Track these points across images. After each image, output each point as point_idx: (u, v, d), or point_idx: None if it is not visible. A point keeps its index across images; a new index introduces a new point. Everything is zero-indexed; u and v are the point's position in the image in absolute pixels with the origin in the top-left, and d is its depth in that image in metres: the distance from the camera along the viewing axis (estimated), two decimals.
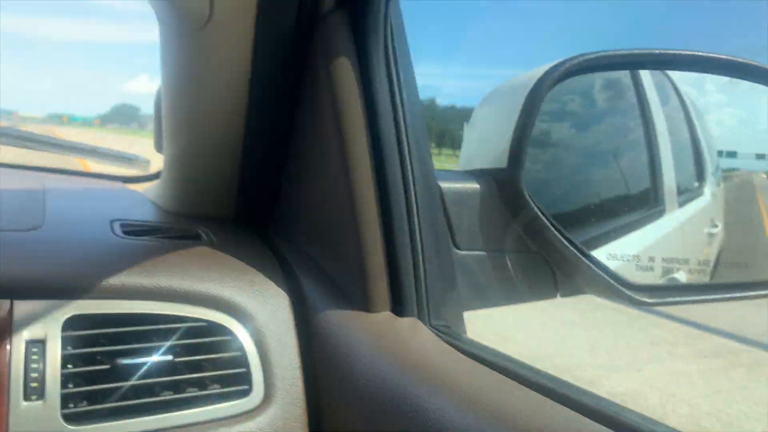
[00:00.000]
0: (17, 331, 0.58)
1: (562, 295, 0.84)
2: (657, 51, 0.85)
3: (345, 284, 0.71)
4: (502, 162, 0.79)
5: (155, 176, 1.23)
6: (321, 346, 0.68)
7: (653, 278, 0.85)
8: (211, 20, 0.65)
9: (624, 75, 0.98)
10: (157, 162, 1.23)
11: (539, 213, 0.78)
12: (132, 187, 1.20)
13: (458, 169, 0.88)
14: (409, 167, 0.67)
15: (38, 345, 0.58)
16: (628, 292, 0.78)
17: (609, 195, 0.95)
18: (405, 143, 0.67)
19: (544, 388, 0.51)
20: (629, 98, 0.98)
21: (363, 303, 0.67)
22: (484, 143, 0.87)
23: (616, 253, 0.83)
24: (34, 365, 0.57)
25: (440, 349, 0.62)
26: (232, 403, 0.65)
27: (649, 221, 0.96)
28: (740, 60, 0.84)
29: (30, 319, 0.59)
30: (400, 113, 0.67)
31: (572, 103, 0.90)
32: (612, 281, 0.78)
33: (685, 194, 1.05)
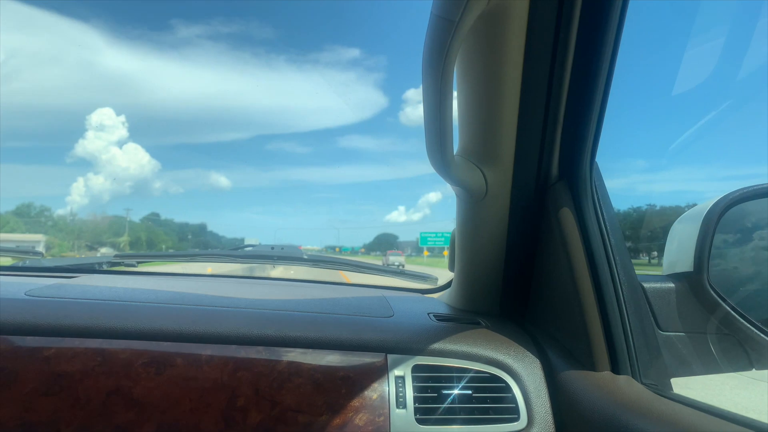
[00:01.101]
0: (391, 370, 1.05)
1: (758, 369, 1.06)
2: None
3: (577, 353, 1.04)
4: (691, 267, 1.09)
5: (441, 288, 1.74)
6: (563, 394, 1.02)
7: None
8: (486, 196, 1.14)
9: None
10: (440, 279, 1.75)
11: (727, 306, 1.05)
12: (427, 295, 1.72)
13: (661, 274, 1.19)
14: (616, 274, 1.01)
15: (401, 379, 1.04)
16: None
17: None
18: (612, 260, 1.02)
19: (742, 422, 0.72)
20: None
21: (590, 365, 1.01)
22: (680, 252, 1.17)
23: None
24: (401, 390, 1.03)
25: (650, 398, 0.89)
26: (506, 425, 1.03)
27: None
28: None
29: (396, 364, 1.06)
30: (608, 242, 1.03)
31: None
32: None
33: None
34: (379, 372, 1.04)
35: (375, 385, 1.03)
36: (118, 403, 0.95)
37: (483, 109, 1.05)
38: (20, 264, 1.75)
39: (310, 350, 1.05)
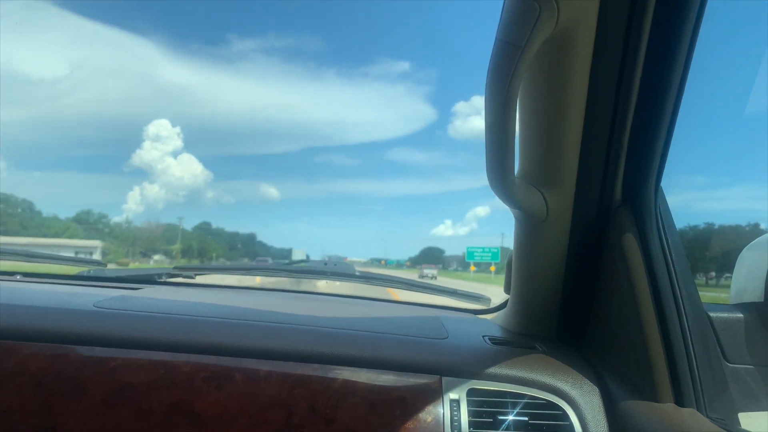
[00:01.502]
0: (445, 393, 1.04)
1: None
2: None
3: (638, 382, 1.01)
4: (762, 297, 1.05)
5: (494, 309, 1.72)
6: (623, 425, 0.99)
7: None
8: (546, 219, 1.12)
9: None
10: (493, 299, 1.73)
11: None
12: (480, 316, 1.70)
13: (728, 303, 1.15)
14: (681, 302, 0.98)
15: (456, 403, 1.03)
16: None
17: None
18: (677, 287, 0.99)
19: None
20: None
21: (652, 396, 0.97)
22: (750, 280, 1.12)
23: None
24: (455, 414, 1.02)
25: None
26: None
27: None
28: None
29: (450, 387, 1.05)
30: (672, 269, 1.00)
31: None
32: None
33: None
34: (433, 394, 1.04)
35: (429, 407, 1.02)
36: (180, 417, 0.98)
37: (545, 132, 1.04)
38: (85, 273, 1.82)
39: (365, 369, 1.05)
